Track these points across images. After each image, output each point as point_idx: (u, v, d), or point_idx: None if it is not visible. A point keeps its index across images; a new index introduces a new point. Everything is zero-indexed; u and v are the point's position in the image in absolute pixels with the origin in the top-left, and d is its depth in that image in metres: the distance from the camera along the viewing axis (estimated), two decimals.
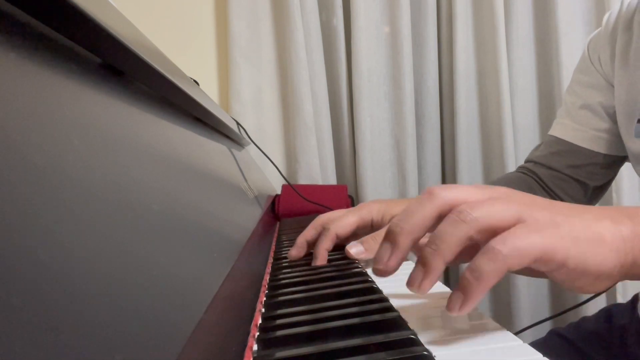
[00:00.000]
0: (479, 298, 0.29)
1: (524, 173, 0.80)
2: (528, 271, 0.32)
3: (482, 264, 0.28)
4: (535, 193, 0.74)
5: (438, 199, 0.31)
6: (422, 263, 0.30)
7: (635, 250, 0.31)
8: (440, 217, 0.31)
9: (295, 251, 0.54)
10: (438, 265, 0.30)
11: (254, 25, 1.21)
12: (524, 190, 0.76)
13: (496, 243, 0.28)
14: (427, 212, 0.31)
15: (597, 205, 0.32)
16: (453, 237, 0.29)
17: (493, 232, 0.29)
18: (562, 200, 0.76)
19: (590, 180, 0.76)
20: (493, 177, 1.32)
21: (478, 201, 0.30)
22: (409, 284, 0.31)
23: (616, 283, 0.32)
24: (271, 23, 1.23)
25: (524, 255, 0.28)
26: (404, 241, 0.31)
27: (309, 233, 0.55)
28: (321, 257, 0.51)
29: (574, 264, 0.29)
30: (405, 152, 1.27)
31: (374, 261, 0.31)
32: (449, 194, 0.31)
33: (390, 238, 0.31)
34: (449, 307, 0.29)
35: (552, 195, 0.76)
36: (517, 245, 0.28)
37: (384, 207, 0.56)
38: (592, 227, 0.30)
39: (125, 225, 0.20)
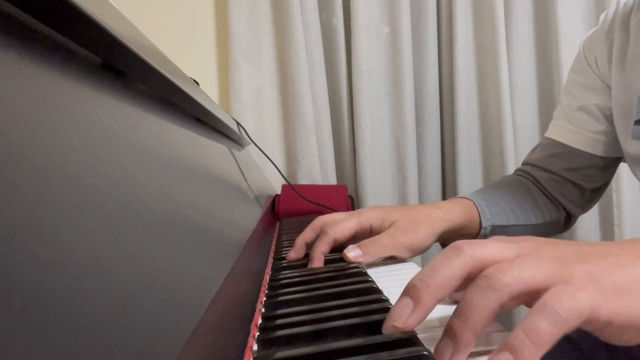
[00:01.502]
0: None
1: (521, 176, 0.80)
2: None
3: (539, 323, 0.25)
4: (533, 196, 0.74)
5: (465, 257, 0.29)
6: (451, 336, 0.27)
7: None
8: (468, 276, 0.29)
9: (294, 253, 0.54)
10: (469, 340, 0.27)
11: (254, 25, 1.21)
12: (521, 193, 0.75)
13: (552, 302, 0.26)
14: (454, 270, 0.29)
15: (626, 240, 0.31)
16: (485, 307, 0.27)
17: (528, 295, 0.27)
18: (559, 202, 0.76)
19: (587, 183, 0.76)
20: (493, 177, 1.32)
21: (507, 262, 0.28)
22: (438, 358, 0.27)
23: None
24: (271, 23, 1.23)
25: (580, 316, 0.26)
26: (428, 300, 0.28)
27: (307, 235, 0.55)
28: (317, 260, 0.51)
29: (620, 321, 0.27)
30: (405, 152, 1.27)
31: (389, 316, 0.28)
32: (476, 252, 0.29)
33: (412, 293, 0.28)
34: None
35: (550, 198, 0.76)
36: (573, 306, 0.26)
37: (383, 213, 0.56)
38: (631, 274, 0.28)
39: (125, 225, 0.20)
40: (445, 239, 0.61)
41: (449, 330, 0.27)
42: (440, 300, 0.28)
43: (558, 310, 0.25)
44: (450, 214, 0.61)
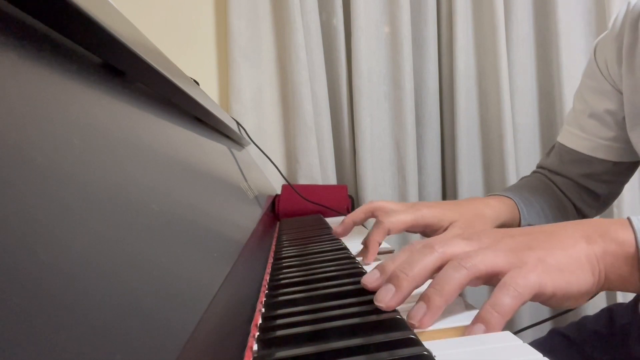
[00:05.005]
0: (499, 330, 0.32)
1: (541, 177, 0.81)
2: None
3: (502, 298, 0.32)
4: (558, 198, 0.76)
5: (438, 254, 0.36)
6: (426, 300, 0.33)
7: (607, 266, 0.36)
8: (439, 267, 0.35)
9: (342, 229, 0.57)
10: (440, 305, 0.33)
11: (254, 24, 1.21)
12: (550, 195, 0.78)
13: (510, 281, 0.33)
14: (428, 264, 0.35)
15: (572, 221, 0.41)
16: (455, 280, 0.33)
17: (488, 277, 0.34)
18: (576, 205, 0.78)
19: (603, 189, 0.77)
20: (493, 177, 1.32)
21: (474, 251, 0.35)
22: (410, 318, 0.33)
23: (594, 295, 0.38)
24: (271, 23, 1.23)
25: (531, 291, 0.33)
26: (407, 286, 0.34)
27: (357, 216, 0.57)
28: (372, 250, 0.52)
29: (561, 293, 0.34)
30: (405, 152, 1.27)
31: (376, 299, 0.35)
32: (446, 250, 0.36)
33: (394, 281, 0.35)
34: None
35: (570, 201, 0.78)
36: (525, 283, 0.33)
37: (439, 212, 0.57)
38: (571, 253, 0.36)
39: (125, 225, 0.20)
40: None
41: (424, 296, 0.33)
42: (416, 288, 0.35)
43: (515, 287, 0.32)
44: (500, 213, 0.63)
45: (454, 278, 0.33)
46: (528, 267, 0.34)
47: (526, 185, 0.78)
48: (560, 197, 0.77)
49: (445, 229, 0.56)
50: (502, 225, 0.63)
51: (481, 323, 0.31)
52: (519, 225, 0.68)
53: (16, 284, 0.12)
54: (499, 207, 0.64)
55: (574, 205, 0.78)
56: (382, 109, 1.28)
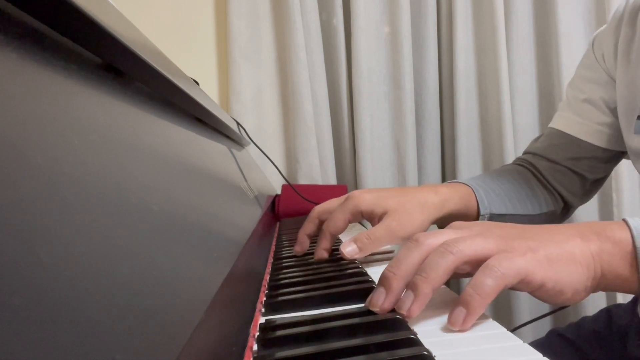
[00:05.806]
0: (481, 312, 0.31)
1: (520, 165, 0.79)
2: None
3: (483, 280, 0.32)
4: (531, 186, 0.74)
5: (424, 246, 0.35)
6: (412, 289, 0.33)
7: (603, 264, 0.36)
8: None
9: (300, 247, 0.56)
10: (427, 292, 0.33)
11: (254, 24, 1.21)
12: (520, 183, 0.76)
13: (493, 263, 0.32)
14: (415, 258, 0.35)
15: (567, 224, 0.40)
16: (441, 266, 0.33)
17: (477, 262, 0.34)
18: (558, 192, 0.76)
19: (589, 173, 0.75)
20: None
21: (461, 237, 0.35)
22: (399, 307, 0.33)
23: (591, 293, 0.37)
24: (271, 23, 1.23)
25: (516, 274, 0.32)
26: (397, 285, 0.34)
27: (308, 228, 0.57)
28: (317, 255, 0.53)
29: (551, 284, 0.34)
30: (405, 152, 1.27)
31: (370, 304, 0.34)
32: (432, 242, 0.35)
33: (384, 283, 0.34)
34: (451, 322, 0.31)
35: (549, 188, 0.76)
36: (510, 265, 0.32)
37: (375, 198, 0.55)
38: (564, 247, 0.35)
39: (125, 225, 0.20)
40: (441, 224, 0.61)
41: (411, 284, 0.33)
42: (407, 285, 0.34)
43: (499, 268, 0.32)
44: (448, 201, 0.60)
45: (440, 264, 0.33)
46: (517, 252, 0.33)
47: (498, 173, 0.76)
48: (535, 187, 0.75)
49: (380, 218, 0.54)
50: (451, 214, 0.60)
51: (462, 306, 0.31)
52: (477, 214, 0.65)
53: (16, 284, 0.12)
54: (447, 195, 0.61)
55: (557, 193, 0.76)
56: (382, 109, 1.28)
